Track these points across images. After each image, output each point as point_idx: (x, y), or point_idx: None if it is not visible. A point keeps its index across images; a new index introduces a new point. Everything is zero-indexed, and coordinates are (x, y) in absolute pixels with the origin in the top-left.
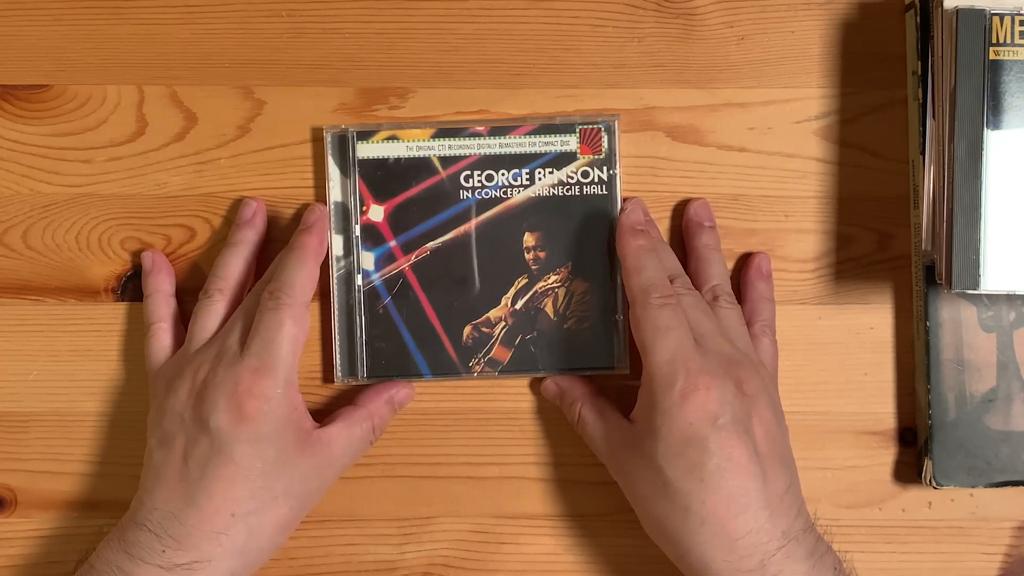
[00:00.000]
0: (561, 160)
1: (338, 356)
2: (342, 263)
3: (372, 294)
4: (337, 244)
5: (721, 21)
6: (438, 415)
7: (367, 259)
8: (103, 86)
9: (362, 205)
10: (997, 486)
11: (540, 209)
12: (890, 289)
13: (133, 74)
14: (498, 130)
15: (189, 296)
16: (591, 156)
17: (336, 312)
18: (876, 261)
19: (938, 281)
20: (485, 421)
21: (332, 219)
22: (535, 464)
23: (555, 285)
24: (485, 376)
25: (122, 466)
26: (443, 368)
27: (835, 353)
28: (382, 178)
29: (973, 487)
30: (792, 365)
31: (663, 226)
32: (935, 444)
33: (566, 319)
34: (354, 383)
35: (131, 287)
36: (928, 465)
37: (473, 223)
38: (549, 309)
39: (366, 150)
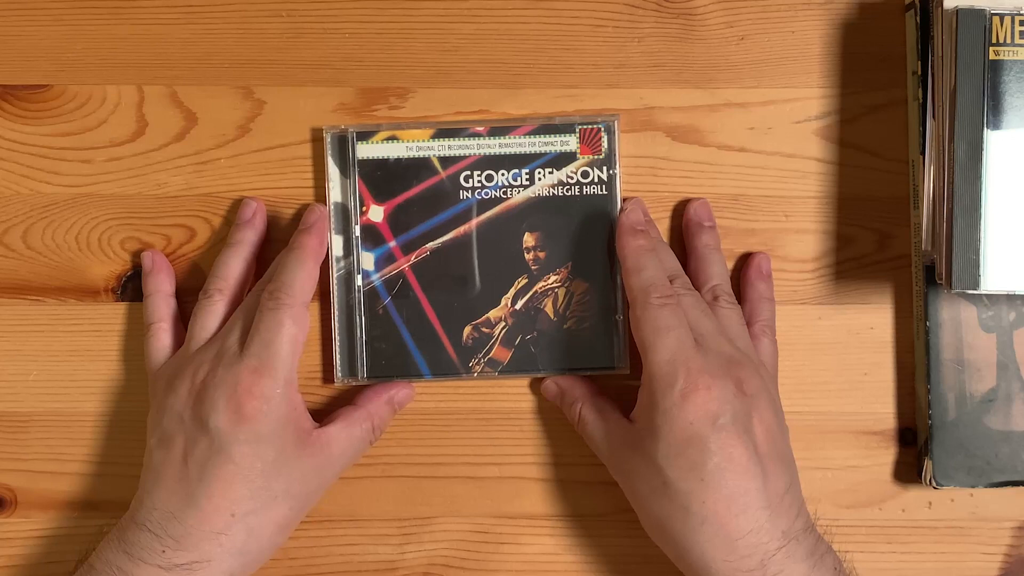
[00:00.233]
0: (561, 160)
1: (338, 356)
2: (342, 263)
3: (372, 294)
4: (337, 244)
5: (721, 21)
6: (438, 415)
7: (367, 259)
8: (103, 86)
9: (362, 205)
10: (997, 486)
11: (540, 209)
12: (890, 289)
13: (133, 74)
14: (498, 130)
15: (189, 296)
16: (591, 156)
17: (336, 312)
18: (876, 261)
19: (938, 281)
20: (485, 421)
21: (332, 219)
22: (535, 464)
23: (555, 285)
24: (485, 376)
25: (122, 466)
26: (443, 368)
27: (835, 353)
28: (382, 178)
29: (973, 487)
30: (792, 365)
31: (663, 226)
32: (935, 444)
33: (566, 319)
34: (354, 383)
35: (131, 287)
36: (928, 465)
37: (473, 223)
38: (549, 309)
39: (366, 150)
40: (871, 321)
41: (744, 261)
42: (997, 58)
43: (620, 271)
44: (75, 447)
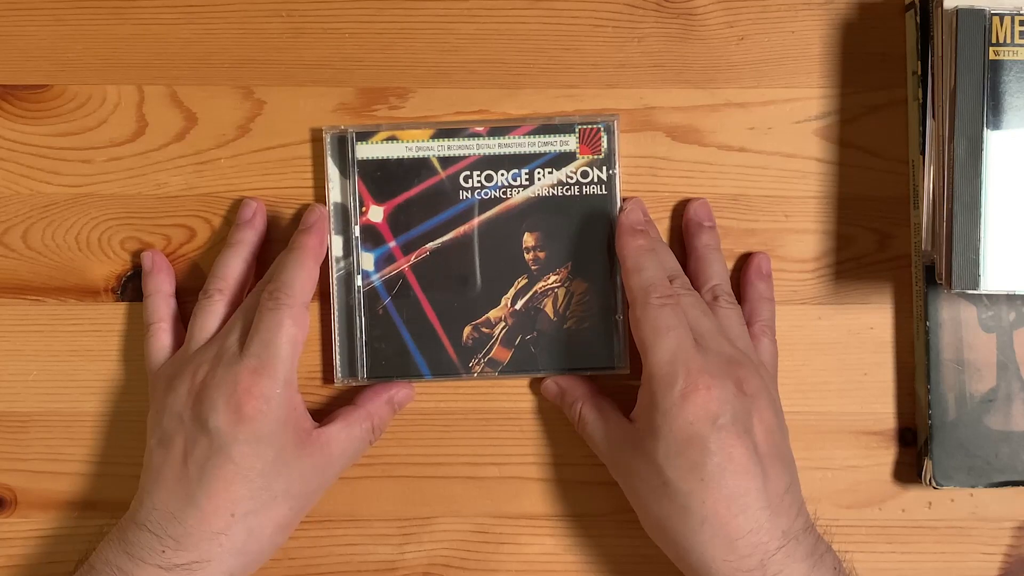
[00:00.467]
0: (560, 160)
1: (338, 357)
2: (342, 264)
3: (372, 295)
4: (337, 245)
5: (721, 21)
6: (438, 415)
7: (367, 260)
8: (103, 86)
9: (361, 206)
10: (997, 486)
11: (540, 209)
12: (890, 289)
13: (133, 74)
14: (497, 130)
15: (189, 296)
16: (590, 156)
17: (336, 313)
18: (876, 261)
19: (938, 281)
20: (485, 421)
21: (332, 220)
22: (535, 464)
23: (555, 285)
24: (485, 376)
25: (122, 466)
26: (443, 368)
27: (835, 353)
28: (382, 179)
29: (973, 487)
30: (792, 365)
31: (663, 226)
32: (935, 444)
33: (566, 319)
34: (354, 384)
35: (131, 287)
36: (928, 465)
37: (473, 223)
38: (549, 309)
39: (365, 151)
40: (871, 321)
41: (744, 261)
42: (997, 58)
43: (620, 271)
44: (75, 447)
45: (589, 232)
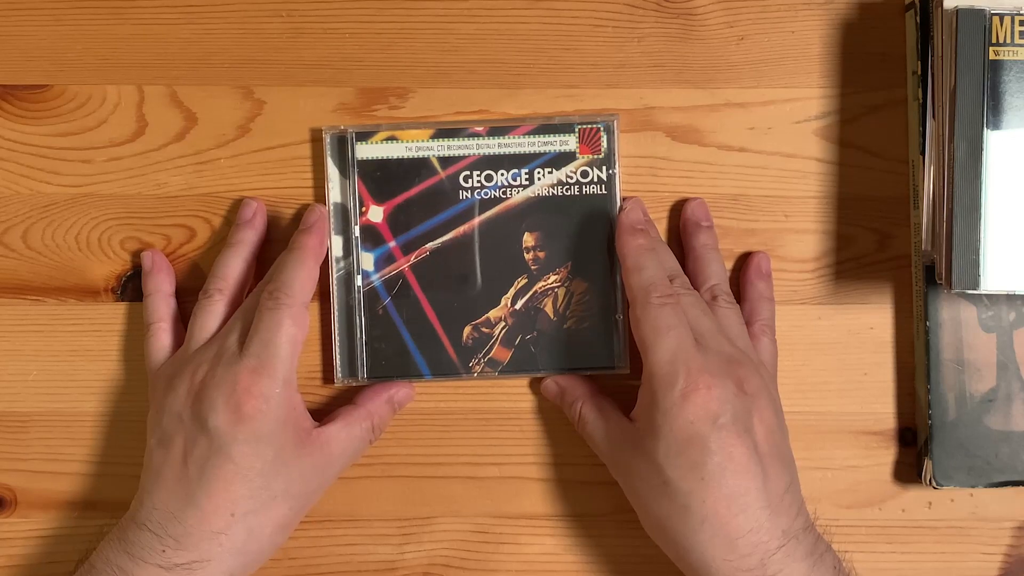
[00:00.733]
0: (560, 160)
1: (338, 357)
2: (342, 264)
3: (372, 295)
4: (337, 245)
5: (721, 21)
6: (438, 415)
7: (367, 260)
8: (103, 86)
9: (361, 206)
10: (997, 486)
11: (539, 209)
12: (890, 289)
13: (133, 74)
14: (497, 130)
15: (189, 296)
16: (590, 156)
17: (336, 313)
18: (876, 261)
19: (938, 281)
20: (485, 421)
21: (331, 220)
22: (535, 464)
23: (555, 285)
24: (485, 376)
25: (122, 466)
26: (443, 368)
27: (835, 353)
28: (381, 179)
29: (973, 487)
30: (792, 365)
31: (662, 226)
32: (935, 444)
33: (566, 319)
34: (354, 384)
35: (131, 287)
36: (928, 465)
37: (473, 223)
38: (549, 309)
39: (365, 151)
40: (871, 321)
41: (744, 261)
42: (997, 58)
43: (620, 271)
44: (75, 447)
45: (589, 232)
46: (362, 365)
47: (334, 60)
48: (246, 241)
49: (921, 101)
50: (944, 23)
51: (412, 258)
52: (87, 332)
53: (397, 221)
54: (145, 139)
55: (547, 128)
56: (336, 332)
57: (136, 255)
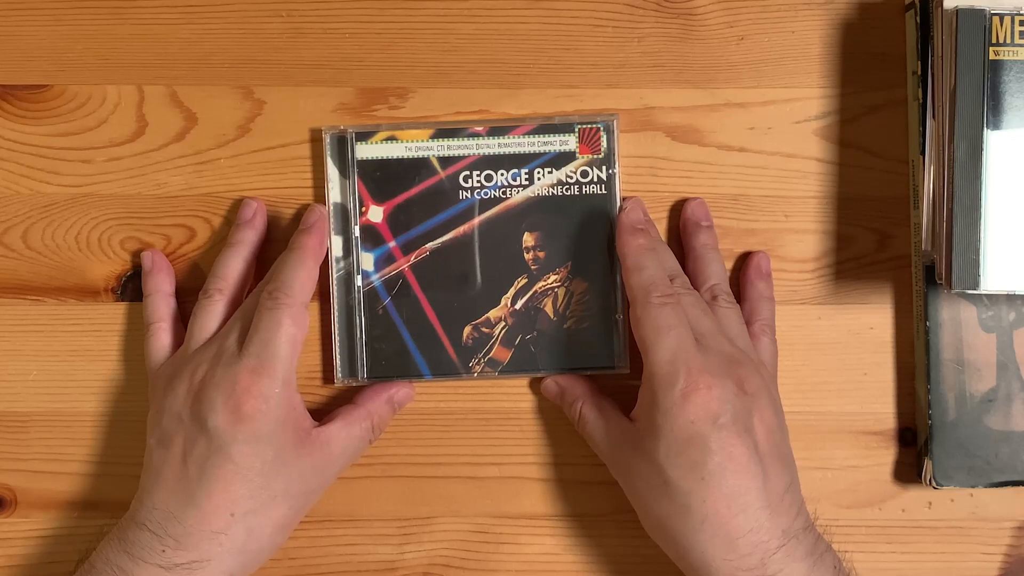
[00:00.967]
0: (560, 160)
1: (338, 357)
2: (341, 264)
3: (372, 295)
4: (336, 245)
5: (721, 21)
6: (438, 415)
7: (367, 260)
8: (103, 86)
9: (361, 206)
10: (997, 486)
11: (539, 209)
12: (890, 289)
13: (133, 74)
14: (497, 130)
15: (189, 296)
16: (590, 156)
17: (336, 313)
18: (876, 261)
19: (938, 281)
20: (485, 421)
21: (331, 220)
22: (535, 464)
23: (555, 285)
24: (485, 376)
25: (122, 466)
26: (443, 368)
27: (835, 353)
28: (381, 179)
29: (973, 487)
30: (792, 365)
31: (662, 226)
32: (935, 444)
33: (566, 319)
34: (354, 384)
35: (131, 287)
36: (928, 465)
37: (473, 223)
38: (549, 309)
39: (365, 151)
40: (871, 321)
41: (744, 261)
42: (997, 58)
43: (620, 270)
44: (75, 447)
45: (589, 232)
46: (362, 365)
47: (334, 60)
48: (246, 241)
49: (921, 101)
50: (944, 23)
51: (412, 258)
52: (87, 332)
53: (397, 221)
54: (145, 139)
55: (547, 128)
56: (336, 332)
57: (136, 255)
